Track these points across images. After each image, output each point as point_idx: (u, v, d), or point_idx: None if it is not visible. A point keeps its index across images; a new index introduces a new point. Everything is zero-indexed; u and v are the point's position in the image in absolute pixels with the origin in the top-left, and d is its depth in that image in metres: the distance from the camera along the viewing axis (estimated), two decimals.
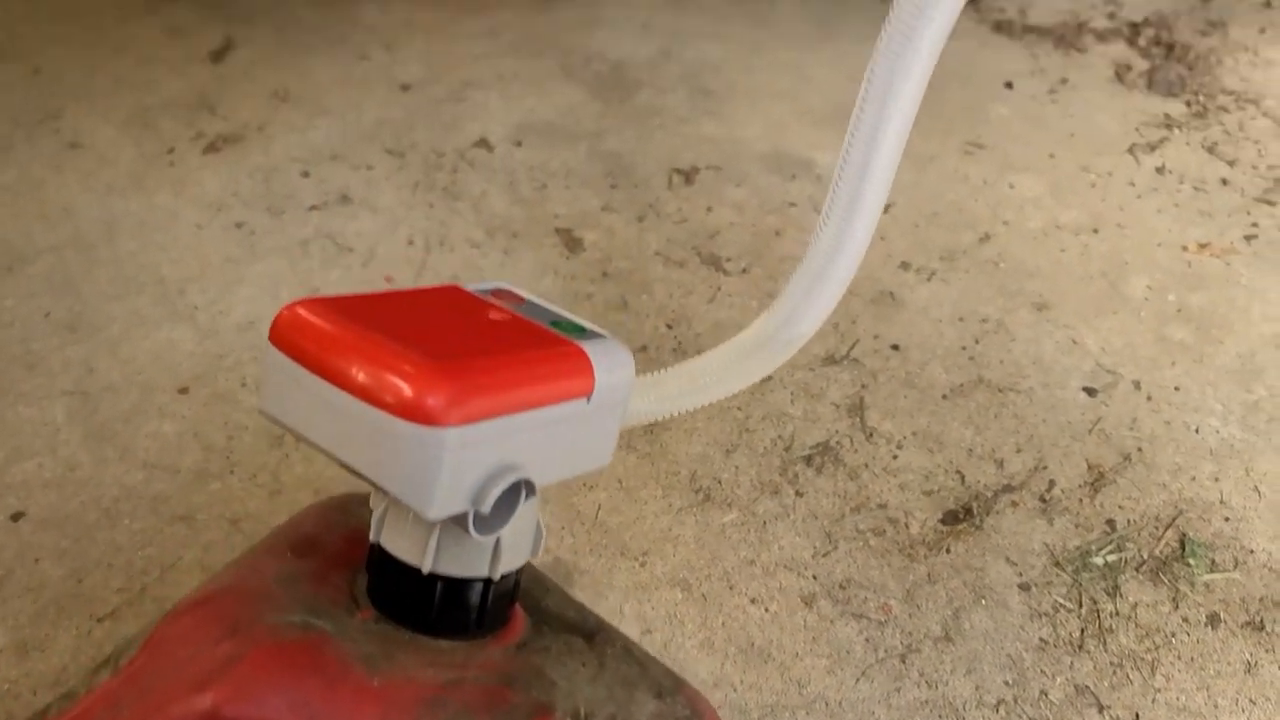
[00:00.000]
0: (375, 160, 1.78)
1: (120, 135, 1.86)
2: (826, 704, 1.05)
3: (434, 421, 0.46)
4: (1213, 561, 1.18)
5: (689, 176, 1.73)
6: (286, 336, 0.49)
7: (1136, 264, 1.55)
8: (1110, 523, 1.22)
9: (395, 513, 0.54)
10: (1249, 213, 1.64)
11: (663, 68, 2.00)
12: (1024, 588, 1.16)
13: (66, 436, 1.33)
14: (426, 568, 0.53)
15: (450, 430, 0.46)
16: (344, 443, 0.47)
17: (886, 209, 1.63)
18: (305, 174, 1.76)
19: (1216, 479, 1.26)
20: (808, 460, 1.29)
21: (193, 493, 1.27)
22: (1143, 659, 1.09)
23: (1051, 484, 1.26)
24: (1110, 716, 1.04)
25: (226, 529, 1.23)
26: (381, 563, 0.55)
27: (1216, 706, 1.04)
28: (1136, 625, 1.12)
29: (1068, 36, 2.02)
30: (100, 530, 1.23)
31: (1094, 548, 1.19)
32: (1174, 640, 1.11)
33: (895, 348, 1.43)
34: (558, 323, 0.55)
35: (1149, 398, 1.36)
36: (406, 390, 0.45)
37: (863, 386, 1.37)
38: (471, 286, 0.57)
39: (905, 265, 1.55)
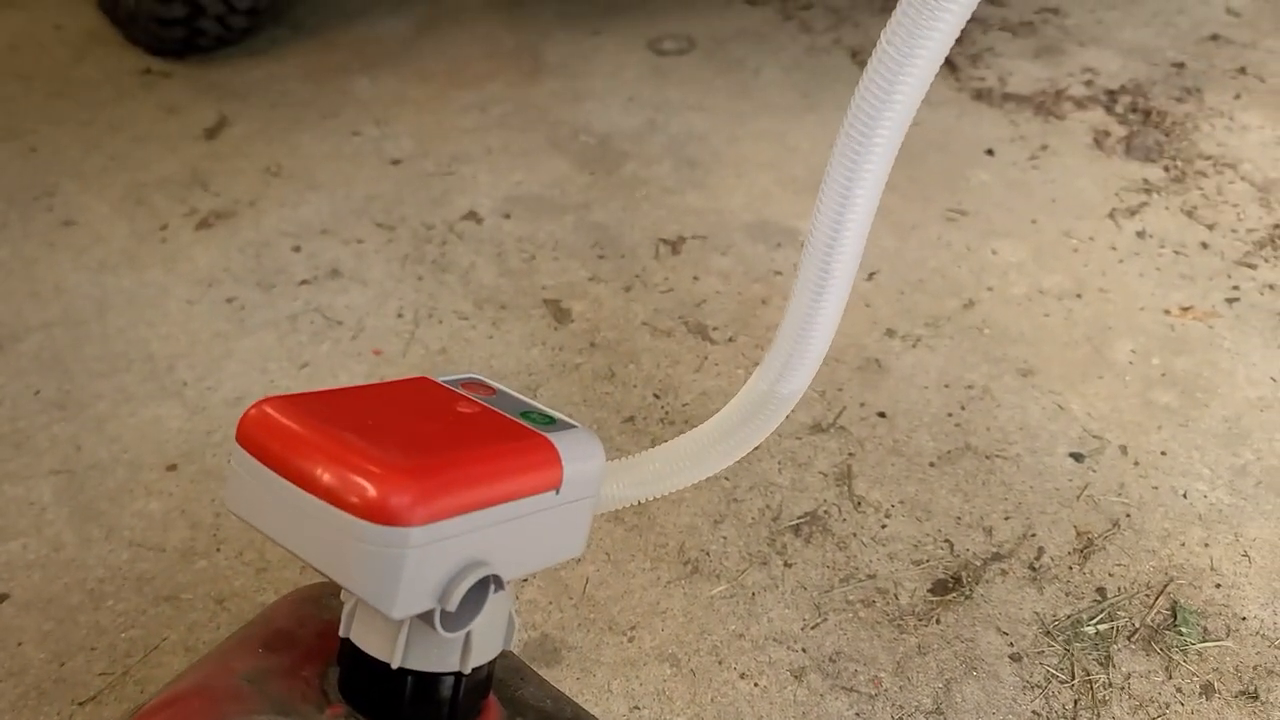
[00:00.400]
0: (365, 234, 1.80)
1: (114, 212, 1.88)
2: None
3: (397, 522, 0.46)
4: (1205, 629, 1.17)
5: (675, 246, 1.75)
6: (252, 436, 0.49)
7: (1120, 328, 1.56)
8: (1101, 590, 1.21)
9: (364, 608, 0.54)
10: (1230, 276, 1.65)
11: (648, 139, 2.03)
12: (1015, 658, 1.15)
13: (52, 516, 1.33)
14: (396, 663, 0.53)
15: (414, 530, 0.46)
16: (308, 543, 0.47)
17: (870, 276, 1.65)
18: (296, 248, 1.77)
19: (1206, 545, 1.26)
20: (796, 530, 1.28)
21: (179, 572, 1.26)
22: None
23: (1040, 551, 1.26)
24: None
25: (212, 608, 1.22)
26: (352, 658, 0.54)
27: None
28: (1130, 696, 1.11)
29: (1046, 104, 2.05)
30: (84, 612, 1.22)
31: (1085, 616, 1.18)
32: (1169, 711, 1.10)
33: (882, 415, 1.43)
34: (527, 414, 0.56)
35: (1136, 463, 1.36)
36: (370, 491, 0.46)
37: (850, 455, 1.38)
38: (442, 378, 0.58)
39: (890, 332, 1.56)
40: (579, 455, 0.55)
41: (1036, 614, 1.19)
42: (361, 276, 1.71)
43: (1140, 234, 1.75)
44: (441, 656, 0.54)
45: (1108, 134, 1.98)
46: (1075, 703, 1.10)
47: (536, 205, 1.86)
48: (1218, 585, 1.22)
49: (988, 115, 2.07)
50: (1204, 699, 1.11)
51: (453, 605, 0.48)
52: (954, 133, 2.01)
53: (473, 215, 1.84)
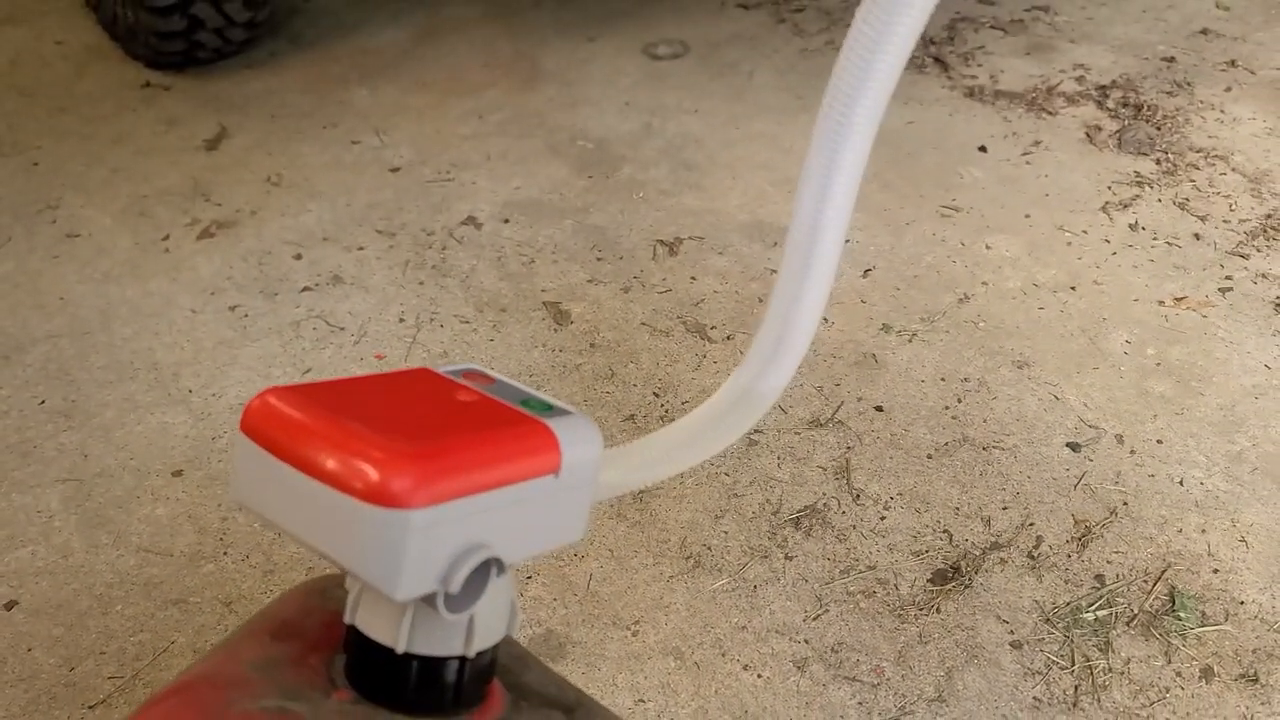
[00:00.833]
0: (366, 241, 1.82)
1: (117, 224, 1.90)
2: None
3: (399, 504, 0.47)
4: (1203, 614, 1.18)
5: (673, 247, 1.76)
6: (256, 425, 0.50)
7: (1115, 320, 1.58)
8: (1099, 578, 1.22)
9: (369, 594, 0.55)
10: (1223, 266, 1.67)
11: (645, 143, 2.05)
12: (1016, 646, 1.16)
13: (60, 523, 1.34)
14: (400, 647, 0.54)
15: (415, 512, 0.47)
16: (313, 528, 0.49)
17: (865, 273, 1.66)
18: (298, 256, 1.79)
19: (1203, 531, 1.27)
20: (796, 523, 1.30)
21: (186, 576, 1.28)
22: (1138, 715, 1.09)
23: (1039, 540, 1.27)
24: None
25: (220, 611, 1.23)
26: (357, 644, 0.56)
27: None
28: (1130, 681, 1.12)
29: (1038, 100, 2.07)
30: (93, 617, 1.23)
31: (1084, 603, 1.20)
32: (1168, 695, 1.11)
33: (879, 409, 1.44)
34: (526, 401, 0.57)
35: (1132, 451, 1.37)
36: (372, 474, 0.47)
37: (848, 449, 1.39)
38: (442, 369, 0.59)
39: (886, 328, 1.57)
40: (577, 440, 0.56)
41: (1036, 602, 1.20)
42: (363, 282, 1.72)
43: (1133, 226, 1.76)
44: (445, 641, 0.55)
45: (1099, 129, 2.00)
46: (1076, 688, 1.11)
47: (535, 209, 1.88)
48: (1215, 570, 1.23)
49: (980, 112, 2.08)
50: (1204, 682, 1.12)
51: (455, 587, 0.50)
52: (947, 130, 2.03)
53: (472, 220, 1.86)
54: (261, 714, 0.50)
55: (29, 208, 1.95)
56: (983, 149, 1.96)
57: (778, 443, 1.40)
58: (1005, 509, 1.31)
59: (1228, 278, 1.64)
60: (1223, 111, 2.03)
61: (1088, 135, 1.97)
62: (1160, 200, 1.81)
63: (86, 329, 1.66)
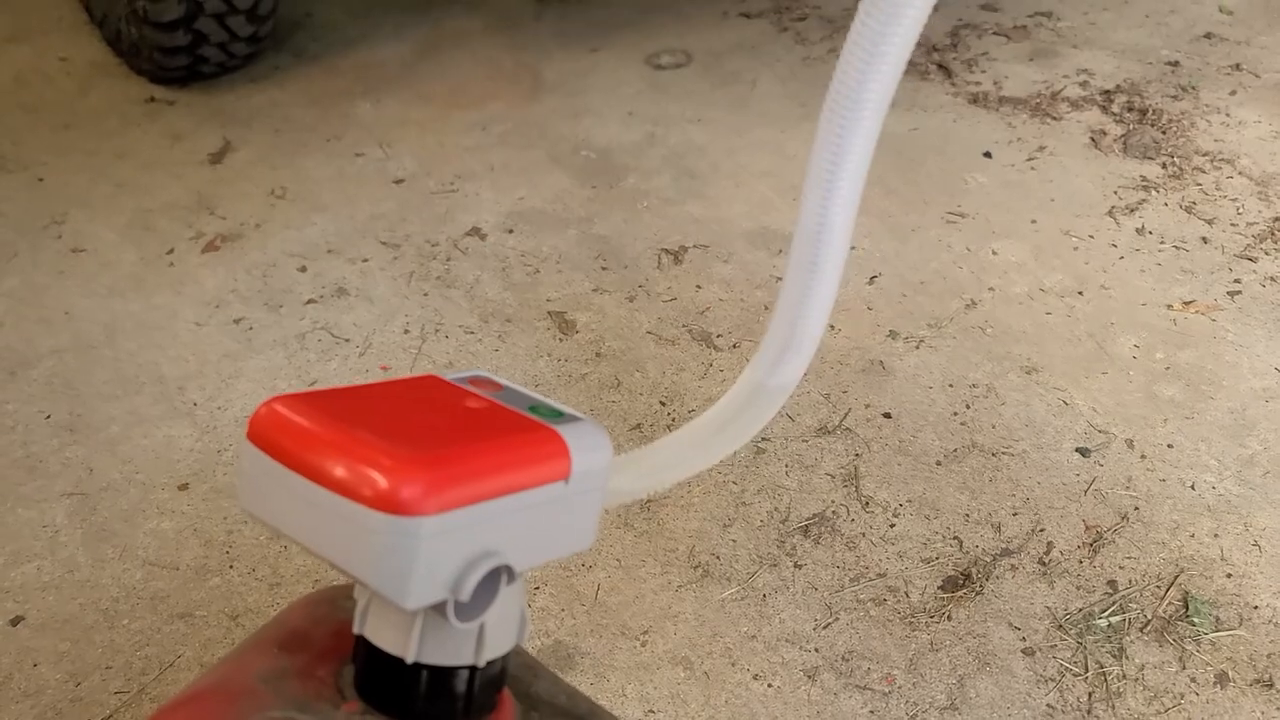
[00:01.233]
0: (371, 253, 1.82)
1: (121, 239, 1.90)
2: None
3: (408, 512, 0.46)
4: (1217, 619, 1.17)
5: (677, 256, 1.76)
6: (263, 433, 0.50)
7: (1123, 324, 1.57)
8: (1111, 583, 1.21)
9: (378, 604, 0.54)
10: (1231, 269, 1.66)
11: (648, 152, 2.05)
12: (1028, 653, 1.15)
13: (66, 538, 1.34)
14: (410, 657, 0.53)
15: (425, 520, 0.47)
16: (321, 537, 0.48)
17: (871, 279, 1.66)
18: (302, 269, 1.79)
19: (1216, 535, 1.26)
20: (805, 532, 1.29)
21: (192, 589, 1.27)
22: None
23: (1050, 546, 1.26)
24: None
25: (226, 625, 1.23)
26: (366, 654, 0.55)
27: None
28: (1144, 687, 1.11)
29: (1043, 106, 2.06)
30: (99, 632, 1.23)
31: (1097, 609, 1.19)
32: (1184, 701, 1.10)
33: (887, 416, 1.44)
34: (535, 408, 0.57)
35: (1143, 456, 1.36)
36: (381, 482, 0.46)
37: (856, 456, 1.38)
38: (450, 375, 0.59)
39: (893, 334, 1.57)
40: (586, 446, 0.55)
41: (1048, 608, 1.19)
42: (368, 294, 1.72)
43: (1140, 230, 1.75)
44: (455, 650, 0.54)
45: (1104, 133, 1.99)
46: (1090, 695, 1.10)
47: (539, 220, 1.88)
48: (1229, 575, 1.22)
49: (984, 119, 2.08)
50: (1219, 688, 1.11)
51: (466, 595, 0.49)
52: (951, 136, 2.03)
53: (476, 231, 1.86)
54: None
55: (34, 223, 1.96)
56: (987, 155, 1.96)
57: (785, 450, 1.39)
58: (1015, 515, 1.30)
59: (1236, 281, 1.63)
60: (1228, 115, 2.03)
61: (1093, 140, 1.97)
62: (1167, 204, 1.80)
63: (91, 343, 1.66)
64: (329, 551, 0.48)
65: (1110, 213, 1.80)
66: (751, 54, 2.37)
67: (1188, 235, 1.74)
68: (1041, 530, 1.28)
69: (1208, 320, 1.57)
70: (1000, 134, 2.02)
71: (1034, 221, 1.79)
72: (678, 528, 1.31)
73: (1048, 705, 1.10)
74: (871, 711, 1.10)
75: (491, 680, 0.58)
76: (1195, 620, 1.17)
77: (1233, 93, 2.11)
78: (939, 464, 1.37)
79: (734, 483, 1.35)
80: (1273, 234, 1.72)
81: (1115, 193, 1.84)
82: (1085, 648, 1.15)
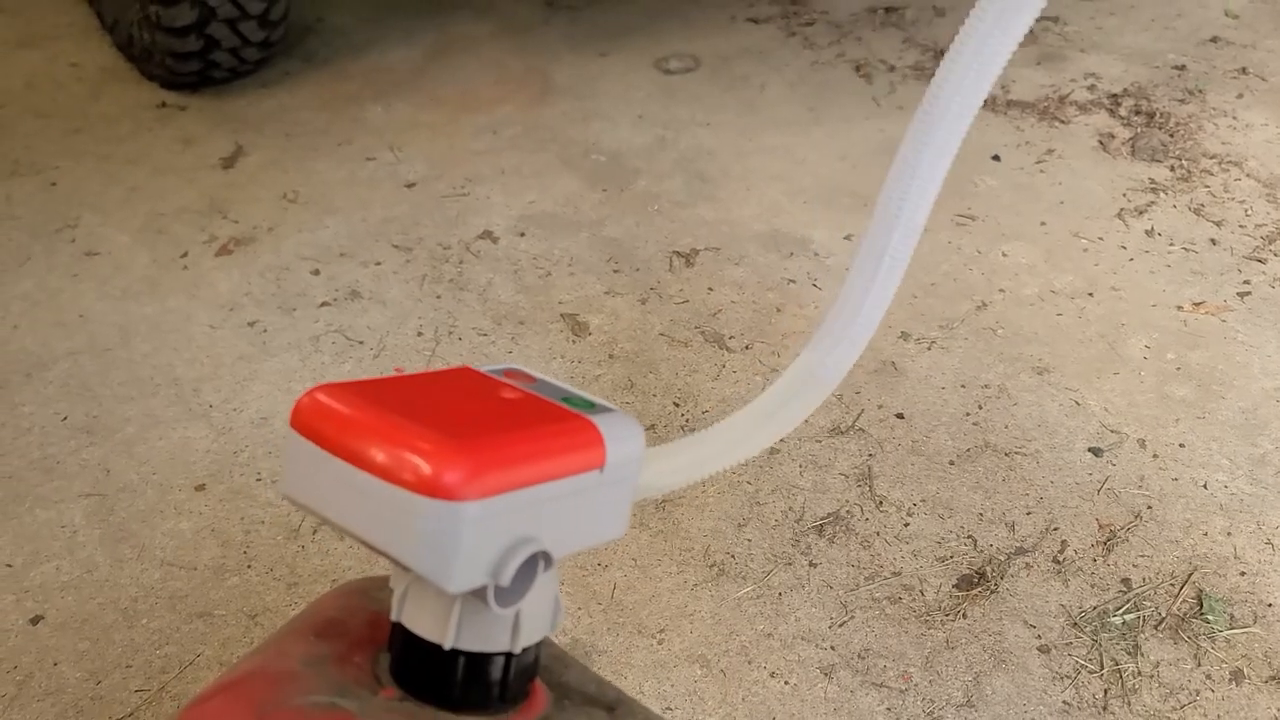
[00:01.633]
0: (383, 256, 1.83)
1: (135, 242, 1.91)
2: None
3: (452, 496, 0.47)
4: (1231, 617, 1.18)
5: (689, 258, 1.77)
6: (306, 421, 0.51)
7: (1133, 325, 1.58)
8: (1125, 581, 1.22)
9: (416, 591, 0.55)
10: (1240, 271, 1.67)
11: (658, 156, 2.06)
12: (1044, 650, 1.15)
13: (84, 538, 1.35)
14: (448, 643, 0.54)
15: (468, 504, 0.48)
16: (365, 522, 0.49)
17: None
18: (315, 272, 1.80)
19: (1229, 534, 1.27)
20: (819, 531, 1.29)
21: (211, 589, 1.28)
22: (1169, 718, 1.08)
23: (1064, 545, 1.26)
24: None
25: (245, 624, 1.23)
26: (403, 641, 0.56)
27: None
28: (1160, 684, 1.11)
29: (1050, 109, 2.07)
30: (118, 630, 1.23)
31: (1111, 607, 1.19)
32: (1199, 698, 1.10)
33: (900, 416, 1.44)
34: (568, 399, 0.57)
35: (1155, 455, 1.37)
36: (425, 467, 0.47)
37: (870, 456, 1.39)
38: (483, 368, 0.60)
39: (905, 335, 1.57)
40: (620, 436, 0.56)
41: (1063, 606, 1.20)
42: (381, 297, 1.73)
43: (1149, 233, 1.76)
44: (492, 636, 0.55)
45: (1112, 136, 2.00)
46: (1105, 692, 1.11)
47: (550, 223, 1.89)
48: (1242, 573, 1.22)
49: (993, 122, 2.09)
50: (1234, 685, 1.11)
51: (506, 580, 0.50)
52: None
53: (488, 234, 1.87)
54: (314, 710, 0.50)
55: (47, 227, 1.97)
56: (996, 158, 1.97)
57: (799, 451, 1.40)
58: (1029, 514, 1.30)
59: (1245, 282, 1.64)
60: (1235, 118, 2.04)
61: (1101, 143, 1.98)
62: (1175, 206, 1.81)
63: (107, 346, 1.67)
64: (373, 536, 0.49)
65: (1119, 215, 1.81)
66: (760, 59, 2.39)
67: (1197, 237, 1.74)
68: (1055, 529, 1.28)
69: (1218, 321, 1.57)
70: (1009, 137, 2.03)
71: (1043, 224, 1.80)
72: (693, 527, 1.31)
73: (1064, 702, 1.10)
74: (889, 709, 1.10)
75: (526, 668, 0.58)
76: (1210, 618, 1.17)
77: (1239, 96, 2.12)
78: (952, 464, 1.37)
79: (748, 483, 1.36)
80: None
81: (1124, 195, 1.85)
82: (1100, 645, 1.15)
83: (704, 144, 2.09)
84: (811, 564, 1.26)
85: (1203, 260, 1.69)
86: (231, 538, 1.34)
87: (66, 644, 1.22)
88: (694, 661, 1.16)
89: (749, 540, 1.29)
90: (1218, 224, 1.77)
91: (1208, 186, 1.85)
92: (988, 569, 1.24)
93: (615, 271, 1.75)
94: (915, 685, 1.13)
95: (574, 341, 1.61)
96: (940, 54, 2.29)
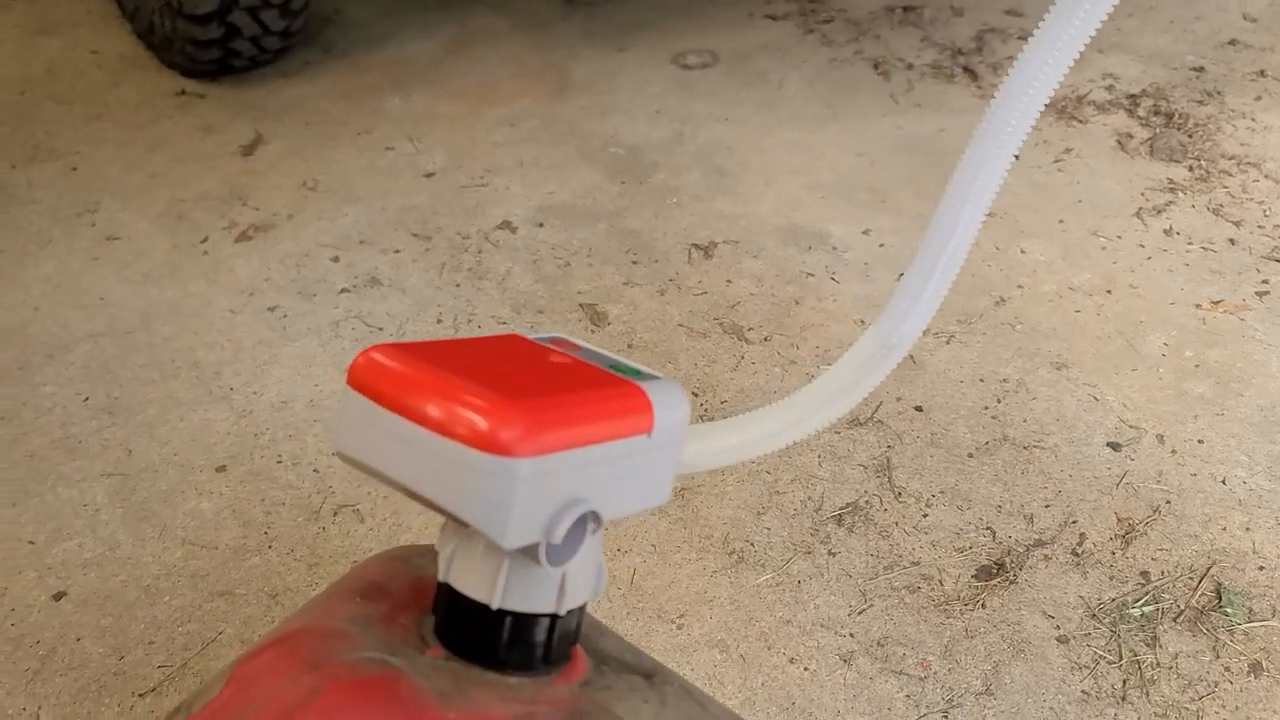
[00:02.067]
0: (402, 244, 1.83)
1: (155, 227, 1.92)
2: None
3: (509, 452, 0.48)
4: (1250, 610, 1.18)
5: (707, 251, 1.77)
6: (364, 379, 0.51)
7: (1151, 322, 1.58)
8: (1144, 574, 1.22)
9: (464, 551, 0.56)
10: (1259, 270, 1.67)
11: (677, 149, 2.07)
12: (1062, 640, 1.16)
13: (107, 516, 1.36)
14: (495, 603, 0.55)
15: (524, 461, 0.48)
16: (422, 477, 0.50)
17: (899, 276, 1.67)
18: (335, 259, 1.81)
19: (1248, 529, 1.27)
20: (838, 520, 1.30)
21: (232, 569, 1.29)
22: (1187, 709, 1.09)
23: (1082, 537, 1.27)
24: None
25: (266, 603, 1.24)
26: (450, 601, 0.56)
27: None
28: (1178, 675, 1.12)
29: (1069, 108, 2.08)
30: (140, 608, 1.24)
31: (1130, 599, 1.19)
32: (1217, 690, 1.11)
33: (919, 409, 1.45)
34: (615, 366, 0.58)
35: (1173, 451, 1.37)
36: (482, 424, 0.48)
37: (889, 447, 1.39)
38: (531, 334, 0.61)
39: (924, 329, 1.58)
40: (667, 402, 0.57)
41: (1081, 598, 1.20)
42: (400, 284, 1.74)
43: (1168, 231, 1.76)
44: (539, 597, 0.56)
45: (1131, 136, 2.01)
46: (1124, 682, 1.11)
47: (569, 214, 1.89)
48: (1261, 568, 1.23)
49: None
50: (1252, 677, 1.12)
51: (558, 538, 0.50)
52: None
53: (507, 225, 1.87)
54: (365, 664, 0.51)
55: (68, 210, 1.98)
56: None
57: (818, 441, 1.40)
58: (1048, 507, 1.31)
59: (1264, 282, 1.64)
60: (1254, 120, 2.04)
61: (1119, 143, 1.98)
62: (1194, 206, 1.82)
63: (128, 328, 1.68)
64: (429, 491, 0.49)
65: (1138, 214, 1.81)
66: (778, 55, 2.39)
67: (1215, 237, 1.75)
68: (1074, 522, 1.29)
69: (1236, 320, 1.58)
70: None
71: (1062, 221, 1.80)
72: (712, 515, 1.32)
73: (1083, 691, 1.11)
74: (908, 696, 1.11)
75: (569, 632, 0.59)
76: (1228, 611, 1.18)
77: (1258, 98, 2.12)
78: (971, 456, 1.38)
79: (767, 472, 1.37)
80: None
81: (1142, 194, 1.86)
82: (1119, 636, 1.16)
83: (722, 139, 2.09)
84: (831, 553, 1.26)
85: (1221, 260, 1.70)
86: (252, 518, 1.35)
87: (89, 620, 1.23)
88: (714, 646, 1.17)
89: (768, 528, 1.30)
90: (1236, 224, 1.77)
91: (1226, 187, 1.86)
92: (1006, 560, 1.24)
93: (634, 263, 1.76)
94: (934, 673, 1.13)
95: (593, 331, 1.62)
96: (958, 53, 2.30)
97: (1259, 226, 1.76)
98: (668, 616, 1.20)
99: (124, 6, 2.60)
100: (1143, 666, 1.13)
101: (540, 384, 0.52)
